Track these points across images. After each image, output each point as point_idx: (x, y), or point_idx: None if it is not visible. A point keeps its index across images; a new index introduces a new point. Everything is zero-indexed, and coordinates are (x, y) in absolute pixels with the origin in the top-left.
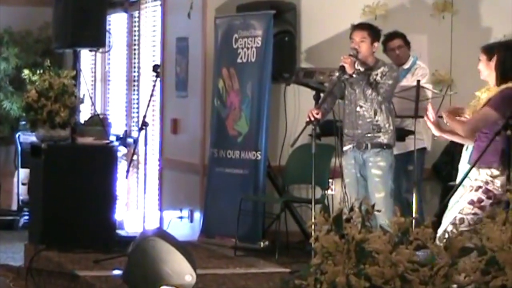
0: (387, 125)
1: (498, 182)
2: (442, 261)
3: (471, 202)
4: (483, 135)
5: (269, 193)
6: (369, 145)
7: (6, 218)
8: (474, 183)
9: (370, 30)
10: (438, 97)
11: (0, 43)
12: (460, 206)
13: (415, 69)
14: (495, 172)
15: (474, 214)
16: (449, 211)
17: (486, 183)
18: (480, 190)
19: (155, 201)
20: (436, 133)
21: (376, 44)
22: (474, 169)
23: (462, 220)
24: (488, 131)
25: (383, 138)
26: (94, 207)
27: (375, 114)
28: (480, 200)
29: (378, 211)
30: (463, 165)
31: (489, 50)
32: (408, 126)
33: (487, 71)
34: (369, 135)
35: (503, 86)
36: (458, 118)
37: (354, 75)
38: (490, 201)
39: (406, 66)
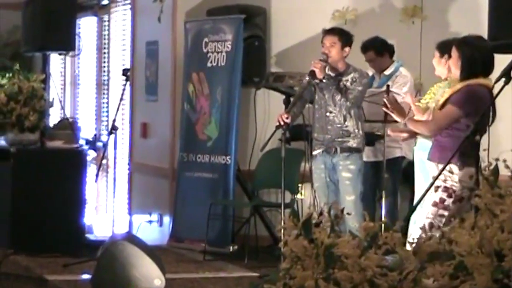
0: (356, 130)
1: (456, 177)
2: (411, 266)
3: (435, 204)
4: (443, 131)
5: (238, 197)
6: (338, 149)
7: None
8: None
9: (341, 35)
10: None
11: None
12: (425, 210)
13: (396, 76)
14: (454, 167)
15: (441, 215)
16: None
17: (444, 180)
18: (440, 189)
19: (125, 205)
20: (398, 119)
21: (347, 49)
22: (434, 166)
23: (431, 225)
24: (449, 127)
25: (353, 143)
26: (63, 211)
27: (345, 120)
28: (442, 200)
29: (348, 213)
30: (418, 156)
31: (442, 47)
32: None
33: (438, 67)
34: (338, 139)
35: (464, 83)
36: (418, 118)
37: (324, 80)
38: (452, 199)
39: (387, 72)
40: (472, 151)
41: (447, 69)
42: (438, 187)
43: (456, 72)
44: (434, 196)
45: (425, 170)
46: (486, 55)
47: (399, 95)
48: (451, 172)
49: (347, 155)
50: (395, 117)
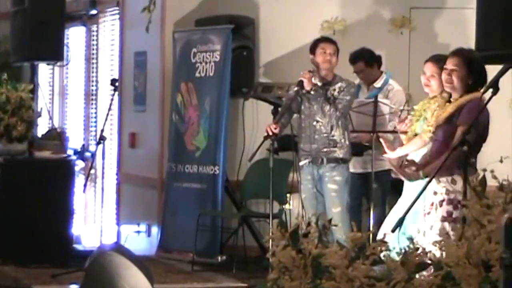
0: (343, 140)
1: (459, 187)
2: (399, 276)
3: (444, 219)
4: (442, 144)
5: (227, 207)
6: (325, 160)
7: None
8: (435, 198)
9: (336, 45)
10: (395, 112)
11: None
12: (436, 228)
13: (388, 91)
14: (457, 178)
15: (453, 229)
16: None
17: (447, 192)
18: (444, 203)
19: (113, 215)
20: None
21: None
22: (433, 180)
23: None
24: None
25: (339, 153)
26: (51, 222)
27: (332, 129)
28: (450, 213)
29: (335, 225)
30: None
31: (442, 63)
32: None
33: (435, 84)
34: (325, 149)
35: (467, 98)
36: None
37: (312, 92)
38: (458, 210)
39: (377, 85)
40: (471, 161)
41: (438, 84)
42: (442, 201)
43: (459, 85)
44: (440, 211)
45: (411, 185)
46: (484, 68)
47: (386, 105)
48: (454, 183)
49: (333, 165)
50: (389, 151)
